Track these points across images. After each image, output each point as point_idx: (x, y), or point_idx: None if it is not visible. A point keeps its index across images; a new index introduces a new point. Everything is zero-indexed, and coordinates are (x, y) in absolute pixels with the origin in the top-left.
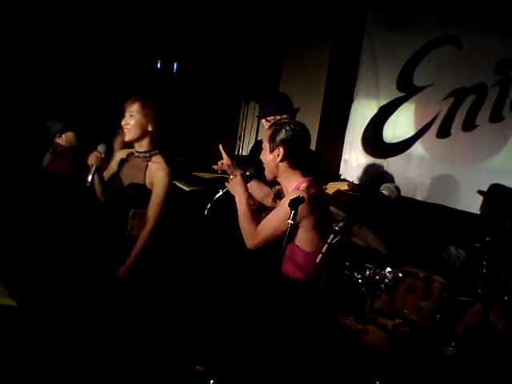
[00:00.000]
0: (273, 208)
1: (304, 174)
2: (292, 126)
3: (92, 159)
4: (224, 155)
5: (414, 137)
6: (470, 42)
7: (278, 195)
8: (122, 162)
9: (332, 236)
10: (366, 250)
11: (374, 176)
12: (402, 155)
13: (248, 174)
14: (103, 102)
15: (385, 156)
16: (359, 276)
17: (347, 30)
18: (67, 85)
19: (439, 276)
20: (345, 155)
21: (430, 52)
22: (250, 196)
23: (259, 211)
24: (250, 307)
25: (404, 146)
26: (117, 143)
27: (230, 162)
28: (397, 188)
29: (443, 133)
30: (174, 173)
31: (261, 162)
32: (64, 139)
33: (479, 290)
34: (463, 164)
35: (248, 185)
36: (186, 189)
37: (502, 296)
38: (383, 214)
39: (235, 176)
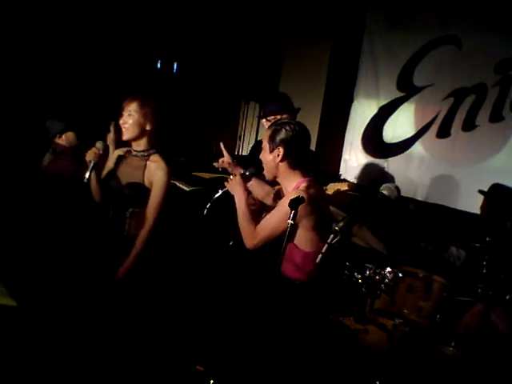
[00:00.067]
0: (273, 207)
1: (304, 174)
2: (292, 126)
3: (90, 155)
4: (225, 153)
5: (413, 137)
6: (470, 41)
7: (278, 195)
8: (119, 160)
9: (332, 236)
10: (366, 250)
11: (374, 176)
12: (402, 155)
13: (247, 173)
14: (103, 101)
15: (385, 156)
16: (359, 276)
17: (347, 29)
18: (67, 85)
19: (439, 276)
20: (345, 155)
21: (430, 52)
22: (250, 196)
23: (259, 212)
24: (249, 307)
25: (404, 145)
26: (109, 140)
27: (230, 160)
28: (397, 188)
29: (443, 133)
30: (174, 173)
31: (261, 162)
32: (64, 139)
33: (479, 290)
34: (463, 164)
35: (248, 184)
36: (186, 189)
37: (503, 296)
38: (383, 213)
39: (234, 176)
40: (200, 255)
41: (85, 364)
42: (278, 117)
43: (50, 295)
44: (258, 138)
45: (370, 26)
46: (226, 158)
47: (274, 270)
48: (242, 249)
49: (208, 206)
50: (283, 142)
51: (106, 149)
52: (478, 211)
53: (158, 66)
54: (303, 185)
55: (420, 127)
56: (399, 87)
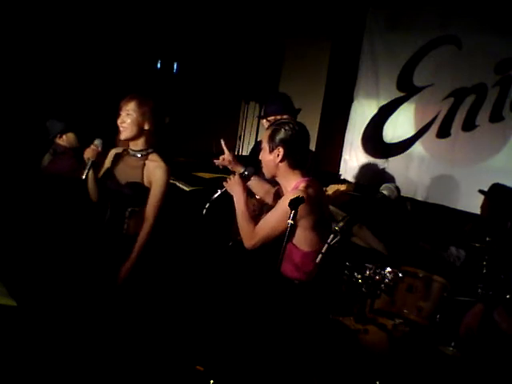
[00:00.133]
0: (272, 207)
1: (303, 174)
2: (291, 126)
3: (88, 153)
4: (226, 150)
5: (413, 137)
6: (470, 41)
7: (278, 194)
8: (116, 160)
9: (332, 236)
10: (366, 250)
11: (374, 176)
12: (402, 155)
13: (246, 173)
14: (103, 101)
15: (385, 156)
16: (359, 276)
17: (347, 30)
18: (67, 85)
19: (439, 276)
20: (345, 155)
21: (430, 52)
22: (249, 196)
23: (260, 214)
24: (249, 307)
25: (404, 146)
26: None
27: (231, 158)
28: (397, 188)
29: (443, 133)
30: (174, 173)
31: (261, 163)
32: (64, 140)
33: (479, 290)
34: (463, 164)
35: (249, 182)
36: (186, 189)
37: (504, 295)
38: (383, 213)
39: (233, 175)
40: (200, 255)
41: (85, 364)
42: (279, 117)
43: (49, 295)
44: (258, 139)
45: (370, 26)
46: (227, 155)
47: (274, 270)
48: (241, 249)
49: (207, 206)
50: (283, 142)
51: (104, 146)
52: (478, 211)
53: (158, 65)
54: (302, 185)
55: (420, 127)
56: (399, 87)
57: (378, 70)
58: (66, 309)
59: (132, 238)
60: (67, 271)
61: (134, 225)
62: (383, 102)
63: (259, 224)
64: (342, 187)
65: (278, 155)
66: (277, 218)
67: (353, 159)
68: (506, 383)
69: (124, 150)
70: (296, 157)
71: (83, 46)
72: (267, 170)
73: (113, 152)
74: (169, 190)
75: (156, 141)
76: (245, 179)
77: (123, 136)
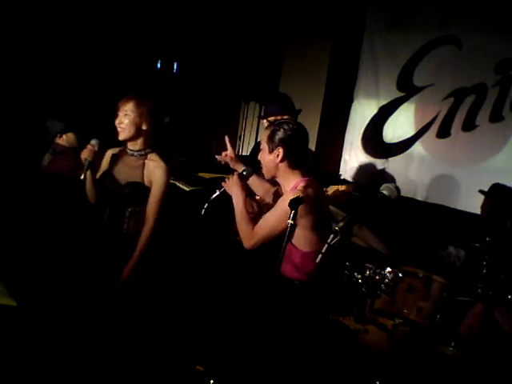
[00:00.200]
0: (272, 206)
1: (303, 174)
2: (290, 126)
3: (85, 153)
4: (228, 147)
5: (414, 137)
6: (470, 42)
7: (277, 194)
8: (113, 160)
9: (332, 236)
10: (366, 250)
11: (374, 176)
12: (401, 155)
13: (245, 173)
14: (103, 102)
15: (385, 156)
16: (359, 276)
17: (347, 29)
18: (67, 85)
19: (439, 276)
20: (345, 155)
21: (430, 52)
22: (249, 196)
23: (259, 214)
24: (248, 307)
25: (404, 146)
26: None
27: (233, 155)
28: (397, 188)
29: (443, 133)
30: (174, 173)
31: (260, 163)
32: (64, 139)
33: (479, 290)
34: (463, 164)
35: (249, 181)
36: (186, 189)
37: (504, 295)
38: (383, 213)
39: (232, 175)
40: (199, 255)
41: (85, 364)
42: (279, 117)
43: (49, 295)
44: (258, 139)
45: (370, 26)
46: (230, 152)
47: (274, 271)
48: (240, 249)
49: (205, 206)
50: (282, 142)
51: (101, 146)
52: (478, 211)
53: (158, 66)
54: (301, 184)
55: (420, 127)
56: (399, 87)
57: (377, 70)
58: (66, 309)
59: (132, 238)
60: (67, 271)
61: (134, 225)
62: (383, 102)
63: (258, 224)
64: (342, 187)
65: (278, 155)
66: (276, 217)
67: (353, 159)
68: (506, 383)
69: (122, 150)
70: (296, 157)
71: (83, 46)
72: (267, 171)
73: (110, 152)
74: (169, 190)
75: (154, 141)
76: (243, 179)
77: (121, 137)
